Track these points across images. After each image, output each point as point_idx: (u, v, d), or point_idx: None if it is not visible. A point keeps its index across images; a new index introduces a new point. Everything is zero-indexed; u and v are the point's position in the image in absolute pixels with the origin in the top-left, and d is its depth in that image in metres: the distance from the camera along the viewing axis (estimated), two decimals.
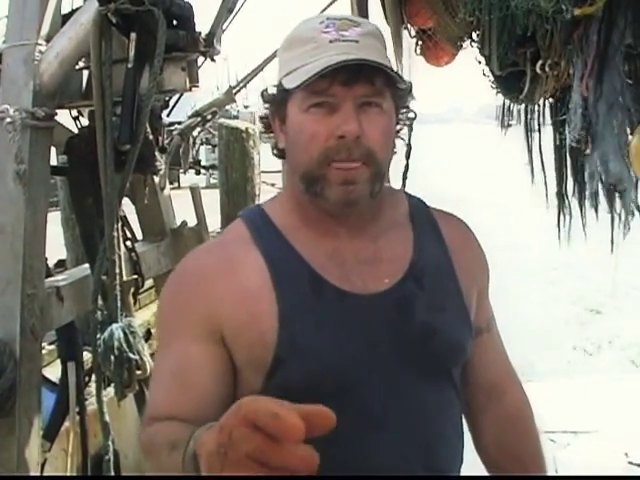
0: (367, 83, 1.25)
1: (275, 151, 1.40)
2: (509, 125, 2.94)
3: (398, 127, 1.40)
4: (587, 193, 2.40)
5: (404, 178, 2.84)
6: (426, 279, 1.36)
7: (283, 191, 1.45)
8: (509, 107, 2.93)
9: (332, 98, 1.25)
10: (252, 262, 1.31)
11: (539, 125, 2.77)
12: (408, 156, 2.74)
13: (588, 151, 2.03)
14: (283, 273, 1.29)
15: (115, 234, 2.37)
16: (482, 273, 1.50)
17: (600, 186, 2.14)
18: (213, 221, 4.55)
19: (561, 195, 2.56)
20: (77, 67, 2.49)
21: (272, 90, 1.35)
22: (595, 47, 1.76)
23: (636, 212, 2.32)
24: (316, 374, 1.25)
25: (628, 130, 1.99)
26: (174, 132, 3.40)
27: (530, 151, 2.62)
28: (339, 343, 1.27)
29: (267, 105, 1.37)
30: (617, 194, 2.22)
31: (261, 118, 1.41)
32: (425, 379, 1.34)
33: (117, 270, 2.38)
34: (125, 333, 2.36)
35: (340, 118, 1.24)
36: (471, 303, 1.42)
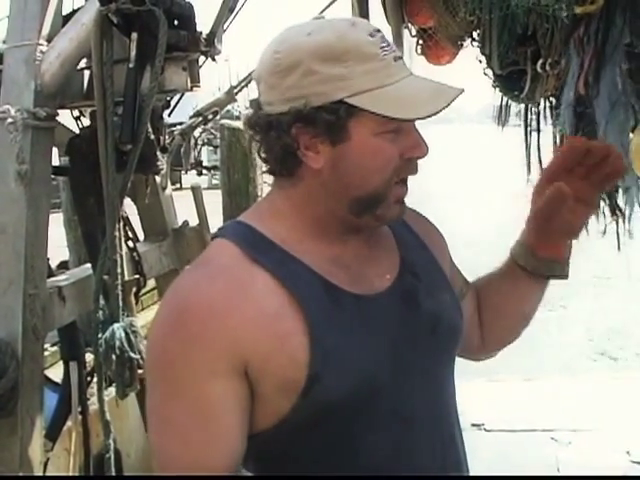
0: None
1: (283, 167, 1.27)
2: (506, 122, 2.94)
3: None
4: None
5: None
6: (418, 270, 1.37)
7: (281, 208, 1.31)
8: (507, 104, 2.93)
9: (404, 123, 1.23)
10: (262, 283, 1.22)
11: (538, 124, 2.77)
12: None
13: None
14: (298, 288, 1.23)
15: (117, 234, 2.38)
16: (445, 245, 1.53)
17: None
18: (215, 222, 4.55)
19: None
20: (78, 67, 2.50)
21: (301, 106, 1.20)
22: (593, 45, 1.76)
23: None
24: (353, 383, 1.22)
25: (629, 128, 1.99)
26: (175, 132, 3.41)
27: (528, 149, 2.63)
28: (367, 348, 1.25)
29: (299, 123, 1.21)
30: (621, 191, 2.22)
31: (283, 131, 1.23)
32: (438, 368, 1.35)
33: (119, 270, 2.39)
34: (127, 333, 2.37)
35: (411, 140, 1.24)
36: (454, 284, 1.46)
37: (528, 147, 2.65)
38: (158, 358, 1.24)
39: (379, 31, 1.25)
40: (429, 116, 1.19)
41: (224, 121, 5.90)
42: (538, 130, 2.75)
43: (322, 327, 1.20)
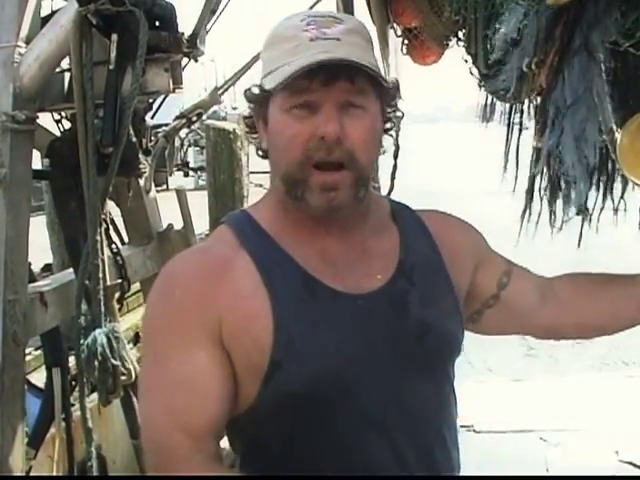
0: (347, 82, 1.22)
1: (259, 152, 1.37)
2: (491, 120, 2.93)
3: (388, 125, 1.37)
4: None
5: (392, 178, 2.82)
6: (416, 275, 1.35)
7: (268, 194, 1.40)
8: (492, 103, 2.92)
9: (313, 98, 1.22)
10: (242, 265, 1.27)
11: (521, 123, 2.76)
12: (396, 156, 2.72)
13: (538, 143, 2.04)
14: (275, 275, 1.26)
15: (98, 238, 2.34)
16: (473, 244, 1.51)
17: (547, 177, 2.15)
18: (202, 223, 4.53)
19: (531, 193, 2.56)
20: (59, 69, 2.46)
21: (255, 90, 1.31)
22: (559, 38, 1.73)
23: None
24: (314, 376, 1.22)
25: (595, 127, 1.96)
26: (159, 134, 3.37)
27: (508, 147, 2.62)
28: (336, 343, 1.25)
29: (251, 105, 1.34)
30: (564, 184, 2.20)
31: (244, 118, 1.38)
32: (422, 377, 1.32)
33: (100, 275, 2.35)
34: (109, 338, 2.33)
35: (321, 119, 1.22)
36: (462, 294, 1.42)
37: (508, 145, 2.64)
38: (147, 324, 1.34)
39: (324, 17, 1.27)
40: (278, 84, 1.21)
41: (209, 122, 5.87)
42: (520, 129, 2.74)
43: (289, 315, 1.23)
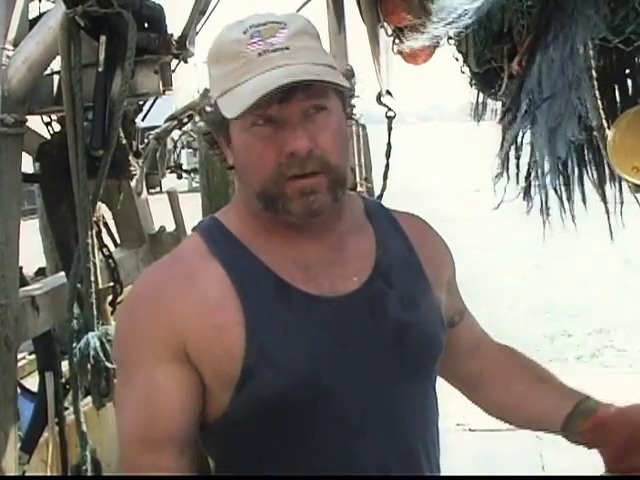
0: (308, 93, 1.20)
1: (226, 165, 1.34)
2: (482, 118, 2.94)
3: (348, 111, 1.33)
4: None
5: (385, 178, 2.81)
6: (394, 276, 1.33)
7: (237, 201, 1.37)
8: (483, 101, 2.92)
9: (274, 113, 1.19)
10: (211, 273, 1.25)
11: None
12: (388, 155, 2.72)
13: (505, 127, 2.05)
14: (246, 281, 1.24)
15: (90, 241, 2.33)
16: (448, 264, 1.49)
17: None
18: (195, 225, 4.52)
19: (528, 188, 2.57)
20: (48, 72, 2.45)
21: (209, 110, 1.28)
22: (534, 27, 1.73)
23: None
24: (287, 383, 1.20)
25: (573, 123, 1.96)
26: (150, 136, 3.37)
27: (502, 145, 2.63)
28: (310, 349, 1.23)
29: (207, 123, 1.31)
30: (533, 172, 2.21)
31: (204, 134, 1.34)
32: (403, 381, 1.30)
33: (92, 278, 2.34)
34: (102, 341, 2.32)
35: (287, 134, 1.19)
36: (441, 296, 1.40)
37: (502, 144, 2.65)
38: (115, 341, 1.37)
39: (265, 24, 1.22)
40: (239, 115, 1.18)
41: (202, 123, 5.85)
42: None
43: (261, 322, 1.21)
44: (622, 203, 2.40)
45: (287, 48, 1.20)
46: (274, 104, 1.18)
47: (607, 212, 2.37)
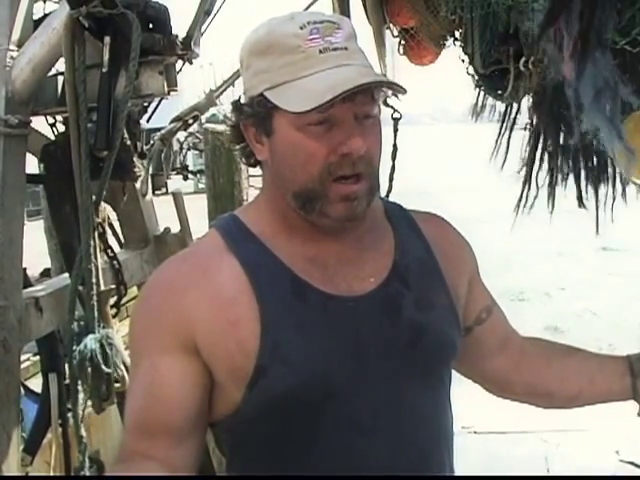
0: (367, 97, 1.21)
1: (250, 160, 1.34)
2: (480, 118, 2.93)
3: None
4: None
5: (390, 179, 2.80)
6: (411, 277, 1.33)
7: (260, 200, 1.37)
8: (483, 102, 2.92)
9: (331, 115, 1.19)
10: (228, 269, 1.25)
11: (514, 121, 2.77)
12: (394, 157, 2.71)
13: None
14: (262, 278, 1.24)
15: (92, 242, 2.32)
16: (469, 262, 1.48)
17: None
18: (201, 226, 4.51)
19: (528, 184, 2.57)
20: (52, 73, 2.44)
21: (245, 99, 1.27)
22: (578, 28, 1.70)
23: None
24: (300, 381, 1.20)
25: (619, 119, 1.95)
26: (155, 137, 3.36)
27: (499, 145, 2.63)
28: (325, 348, 1.23)
29: (241, 115, 1.29)
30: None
31: (232, 127, 1.33)
32: (416, 382, 1.30)
33: (94, 279, 2.33)
34: (102, 345, 2.30)
35: (342, 134, 1.20)
36: (459, 298, 1.40)
37: (499, 144, 2.65)
38: (129, 332, 1.34)
39: (322, 22, 1.22)
40: (313, 109, 1.16)
41: (208, 125, 5.86)
42: (512, 128, 2.75)
43: (277, 319, 1.21)
44: None
45: (346, 48, 1.22)
46: (337, 103, 1.18)
47: None
